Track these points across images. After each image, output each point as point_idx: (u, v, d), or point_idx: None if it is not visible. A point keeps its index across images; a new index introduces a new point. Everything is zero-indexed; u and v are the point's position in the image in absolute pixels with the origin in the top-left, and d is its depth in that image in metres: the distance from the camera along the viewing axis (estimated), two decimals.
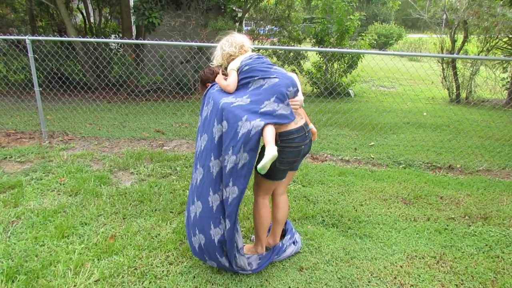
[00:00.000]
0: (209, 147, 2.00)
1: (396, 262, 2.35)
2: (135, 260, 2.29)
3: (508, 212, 3.04)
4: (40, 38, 4.52)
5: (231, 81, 2.08)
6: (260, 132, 1.86)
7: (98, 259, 2.30)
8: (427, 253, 2.46)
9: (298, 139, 2.02)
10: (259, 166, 1.85)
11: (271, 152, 1.82)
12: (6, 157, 3.97)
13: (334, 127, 5.52)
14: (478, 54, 7.67)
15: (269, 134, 1.88)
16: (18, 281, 2.08)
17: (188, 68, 7.51)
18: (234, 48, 2.16)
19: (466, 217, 2.96)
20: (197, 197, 2.06)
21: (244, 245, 2.32)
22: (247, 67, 2.07)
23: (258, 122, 1.86)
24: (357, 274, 2.23)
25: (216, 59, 2.24)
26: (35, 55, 4.63)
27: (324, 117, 5.98)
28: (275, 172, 2.07)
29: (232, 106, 1.93)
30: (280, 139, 1.99)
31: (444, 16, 8.59)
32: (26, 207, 2.90)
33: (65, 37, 5.11)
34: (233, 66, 2.12)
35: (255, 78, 2.02)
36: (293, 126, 2.01)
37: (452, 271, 2.28)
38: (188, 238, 2.18)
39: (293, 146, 2.01)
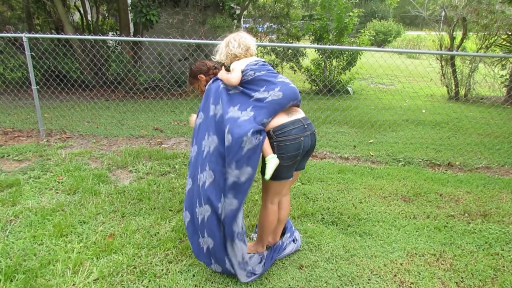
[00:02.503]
0: (218, 153, 1.96)
1: (396, 260, 2.35)
2: (134, 259, 2.28)
3: (507, 209, 3.04)
4: (37, 35, 4.48)
5: (236, 75, 2.02)
6: (261, 146, 1.89)
7: (97, 258, 2.28)
8: (427, 250, 2.46)
9: (294, 130, 1.98)
10: (266, 176, 1.94)
11: (273, 161, 1.93)
12: (4, 156, 3.94)
13: (333, 125, 5.51)
14: (477, 51, 7.66)
15: (266, 144, 1.95)
16: (17, 280, 2.06)
17: (187, 66, 7.48)
18: (240, 49, 2.10)
19: (466, 214, 2.96)
20: (205, 201, 1.99)
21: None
22: (251, 73, 2.02)
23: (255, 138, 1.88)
24: (357, 272, 2.23)
25: (220, 56, 2.17)
26: (32, 53, 4.59)
27: (323, 115, 5.96)
28: (280, 171, 2.03)
29: (238, 121, 1.91)
30: (275, 134, 1.96)
31: (443, 13, 8.57)
32: (24, 205, 2.89)
33: (62, 34, 5.07)
34: (238, 66, 2.06)
35: (260, 90, 2.00)
36: (286, 119, 1.99)
37: (452, 269, 2.28)
38: (193, 238, 2.13)
39: (290, 139, 1.97)
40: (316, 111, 6.20)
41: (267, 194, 2.15)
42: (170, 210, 2.88)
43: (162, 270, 2.20)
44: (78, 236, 2.51)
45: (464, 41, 8.08)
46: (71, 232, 2.54)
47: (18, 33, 4.47)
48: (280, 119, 1.98)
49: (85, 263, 2.23)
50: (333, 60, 8.03)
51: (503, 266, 2.31)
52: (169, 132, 5.00)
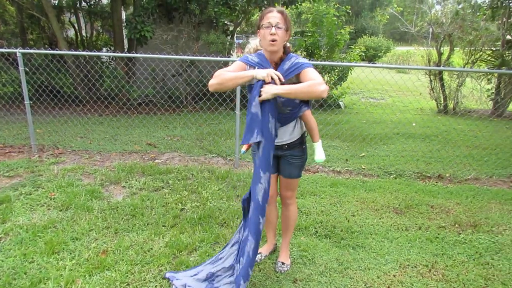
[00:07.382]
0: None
1: (389, 272, 2.37)
2: (127, 276, 2.26)
3: (496, 219, 3.10)
4: (31, 51, 4.51)
5: None
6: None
7: (90, 275, 2.26)
8: (419, 261, 2.48)
9: None
10: (322, 159, 2.41)
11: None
12: None
13: (325, 139, 5.58)
14: (464, 67, 7.90)
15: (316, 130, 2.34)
16: None
17: (180, 81, 7.55)
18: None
19: (456, 225, 3.01)
20: None
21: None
22: None
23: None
24: (351, 285, 2.24)
25: None
26: (26, 68, 4.61)
27: None
28: (304, 164, 2.29)
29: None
30: (304, 135, 2.29)
31: (430, 30, 8.85)
32: (15, 223, 2.85)
33: (56, 50, 5.10)
34: None
35: None
36: None
37: (444, 279, 2.31)
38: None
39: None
40: None
41: (294, 191, 2.34)
42: (163, 226, 2.87)
43: (156, 286, 2.18)
44: (70, 253, 2.48)
45: (451, 56, 8.33)
46: (63, 249, 2.52)
47: (12, 48, 4.50)
48: None
49: (78, 280, 2.21)
50: (325, 75, 8.19)
51: (493, 275, 2.34)
52: (162, 148, 5.01)
